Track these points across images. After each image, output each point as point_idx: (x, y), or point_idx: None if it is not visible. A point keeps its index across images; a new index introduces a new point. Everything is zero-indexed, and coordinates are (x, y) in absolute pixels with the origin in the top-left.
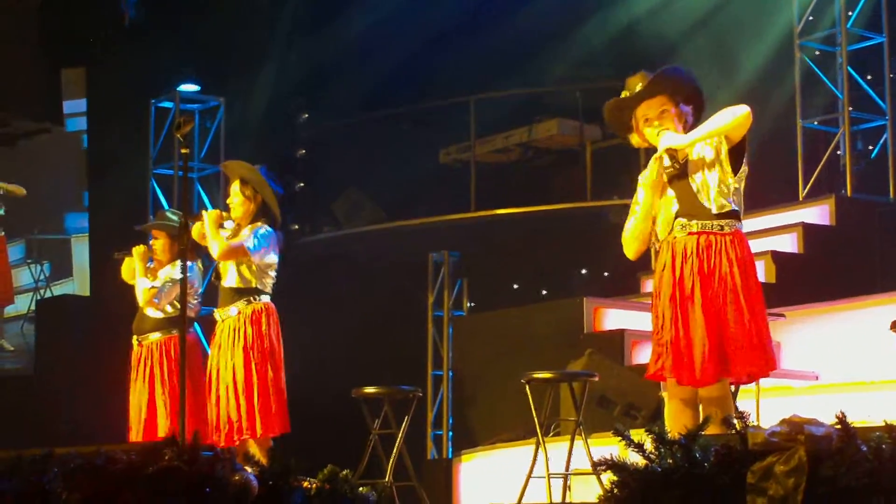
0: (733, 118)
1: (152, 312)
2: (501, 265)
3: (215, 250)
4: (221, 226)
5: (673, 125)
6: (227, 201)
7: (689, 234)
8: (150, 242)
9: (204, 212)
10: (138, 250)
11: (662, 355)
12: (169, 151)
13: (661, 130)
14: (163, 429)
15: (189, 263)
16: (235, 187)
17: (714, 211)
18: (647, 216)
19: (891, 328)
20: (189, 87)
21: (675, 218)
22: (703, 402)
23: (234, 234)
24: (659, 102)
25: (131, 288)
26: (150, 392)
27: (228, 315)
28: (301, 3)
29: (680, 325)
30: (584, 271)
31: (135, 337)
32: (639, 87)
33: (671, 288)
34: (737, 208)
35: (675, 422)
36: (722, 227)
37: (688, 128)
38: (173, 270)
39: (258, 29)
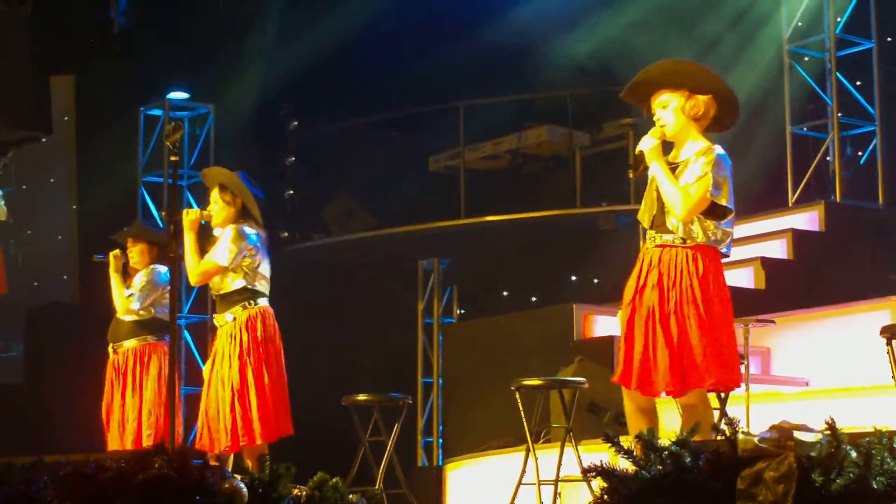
0: (679, 210)
1: (127, 317)
2: (491, 272)
3: (191, 279)
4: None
5: (679, 116)
6: (208, 209)
7: (656, 246)
8: (127, 250)
9: (184, 212)
10: (115, 254)
11: (618, 363)
12: (158, 159)
13: (655, 129)
14: (130, 435)
15: (164, 269)
16: (214, 194)
17: (681, 234)
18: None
19: (880, 334)
20: (178, 95)
21: (650, 228)
22: (682, 409)
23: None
24: (661, 95)
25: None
26: (122, 399)
27: (225, 321)
28: (289, 10)
29: (637, 336)
30: (573, 278)
31: (110, 344)
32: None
33: (631, 295)
34: (710, 241)
35: (631, 427)
36: (684, 241)
37: (704, 117)
38: (146, 276)
39: (247, 36)
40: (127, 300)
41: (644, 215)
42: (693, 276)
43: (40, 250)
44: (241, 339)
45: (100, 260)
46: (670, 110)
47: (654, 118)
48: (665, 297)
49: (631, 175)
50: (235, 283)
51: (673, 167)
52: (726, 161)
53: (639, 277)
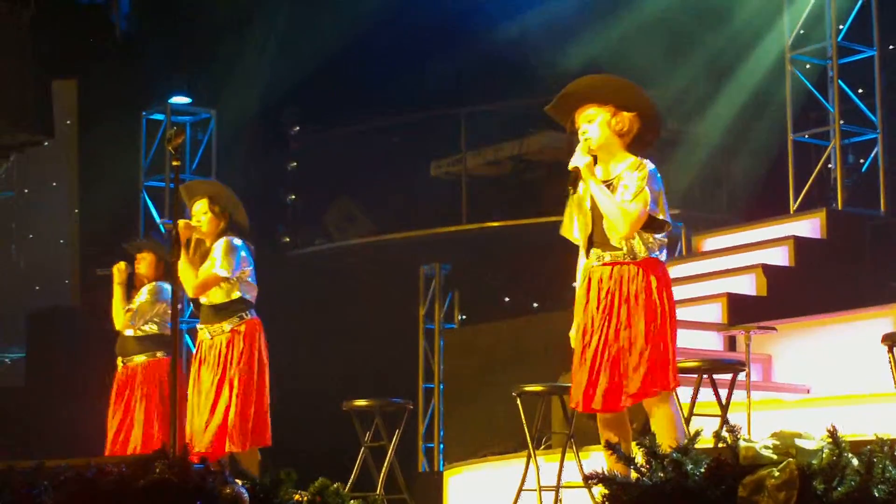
0: (621, 227)
1: (130, 332)
2: (492, 278)
3: (190, 292)
4: (195, 244)
5: (604, 130)
6: (193, 221)
7: (604, 264)
8: (136, 262)
9: (179, 222)
10: (119, 267)
11: (577, 385)
12: (160, 163)
13: (580, 146)
14: (134, 447)
15: (164, 285)
16: (201, 205)
17: (625, 250)
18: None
19: (882, 341)
20: (180, 100)
21: (592, 246)
22: (651, 419)
23: (202, 250)
24: (587, 109)
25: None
26: (127, 412)
27: (223, 331)
28: (292, 15)
29: (588, 355)
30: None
31: (119, 358)
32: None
33: (581, 314)
34: (653, 254)
35: (601, 436)
36: (634, 257)
37: (628, 134)
38: (149, 294)
39: (249, 41)
40: (126, 315)
41: (569, 230)
42: (641, 292)
43: (42, 254)
44: (234, 349)
45: (103, 273)
46: (596, 124)
47: (580, 132)
48: (615, 313)
49: (571, 192)
50: (233, 293)
51: (605, 185)
52: (657, 174)
53: (588, 297)
